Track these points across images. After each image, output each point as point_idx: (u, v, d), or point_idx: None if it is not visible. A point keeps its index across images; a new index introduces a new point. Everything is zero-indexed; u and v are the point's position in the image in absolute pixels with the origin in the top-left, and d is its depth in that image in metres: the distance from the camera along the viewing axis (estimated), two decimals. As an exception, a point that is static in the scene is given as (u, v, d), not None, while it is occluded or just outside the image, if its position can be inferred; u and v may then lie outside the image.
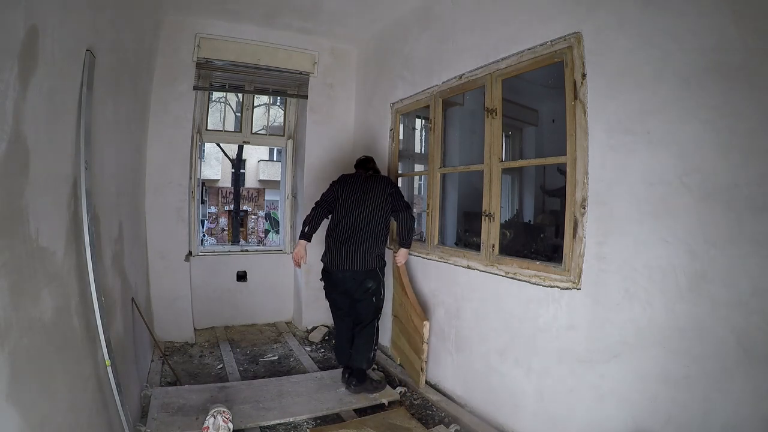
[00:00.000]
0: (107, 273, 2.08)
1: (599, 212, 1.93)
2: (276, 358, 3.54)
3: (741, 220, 1.44)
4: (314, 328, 4.19)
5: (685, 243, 1.59)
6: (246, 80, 4.30)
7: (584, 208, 1.98)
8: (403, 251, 3.03)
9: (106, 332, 1.68)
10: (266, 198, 17.27)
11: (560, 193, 2.54)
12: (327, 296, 2.97)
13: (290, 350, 3.71)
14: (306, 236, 2.89)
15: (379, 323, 2.94)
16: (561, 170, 3.20)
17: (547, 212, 4.58)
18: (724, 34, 1.48)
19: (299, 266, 2.97)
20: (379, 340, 3.03)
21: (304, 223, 2.92)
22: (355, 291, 2.82)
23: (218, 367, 3.31)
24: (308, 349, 3.76)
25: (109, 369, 1.69)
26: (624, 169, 1.82)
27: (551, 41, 2.15)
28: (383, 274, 2.90)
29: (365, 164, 3.08)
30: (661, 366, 1.65)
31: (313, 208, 2.95)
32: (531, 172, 5.07)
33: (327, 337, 4.02)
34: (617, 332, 1.82)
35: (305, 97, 4.27)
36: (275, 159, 16.47)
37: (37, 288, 1.26)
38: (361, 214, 2.84)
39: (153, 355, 3.31)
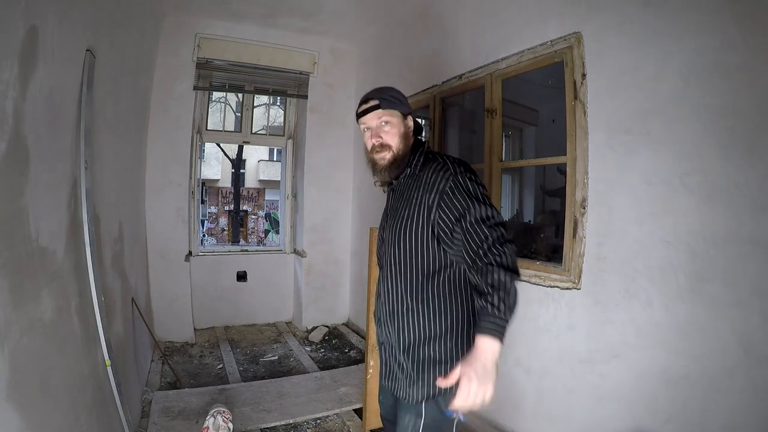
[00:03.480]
0: (107, 273, 2.08)
1: (599, 212, 1.93)
2: (276, 358, 3.54)
3: (741, 220, 1.44)
4: (314, 328, 4.20)
5: (685, 243, 1.59)
6: (246, 80, 4.30)
7: (584, 208, 1.98)
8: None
9: (106, 332, 1.68)
10: (266, 198, 17.26)
11: (560, 193, 2.53)
12: None
13: (290, 350, 3.71)
14: None
15: None
16: (561, 170, 3.20)
17: (547, 212, 4.57)
18: (725, 33, 1.48)
19: None
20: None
21: None
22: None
23: (218, 367, 3.31)
24: (308, 349, 3.76)
25: (109, 369, 1.69)
26: (624, 169, 1.82)
27: (551, 41, 2.15)
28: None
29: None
30: (661, 366, 1.65)
31: None
32: (531, 172, 5.07)
33: (327, 337, 4.02)
34: (617, 332, 1.82)
35: (305, 97, 4.27)
36: (275, 159, 16.47)
37: (37, 288, 1.26)
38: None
39: (153, 355, 3.31)
